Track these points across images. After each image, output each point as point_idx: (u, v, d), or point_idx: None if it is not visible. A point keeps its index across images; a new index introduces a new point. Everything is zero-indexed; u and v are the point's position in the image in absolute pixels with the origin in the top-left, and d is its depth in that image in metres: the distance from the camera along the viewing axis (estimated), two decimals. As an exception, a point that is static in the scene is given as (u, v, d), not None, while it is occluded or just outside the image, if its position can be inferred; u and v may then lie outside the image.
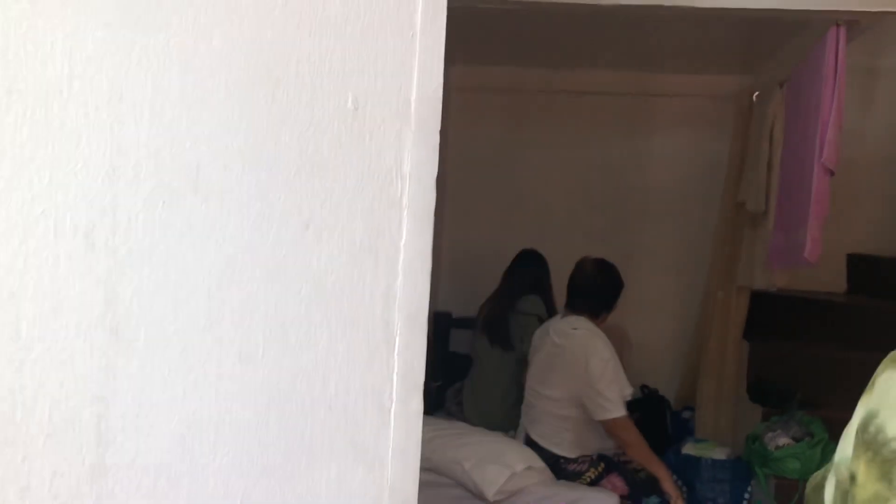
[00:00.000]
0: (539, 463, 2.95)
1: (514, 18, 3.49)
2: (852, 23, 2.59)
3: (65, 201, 0.69)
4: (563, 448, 3.01)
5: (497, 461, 2.83)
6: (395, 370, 0.87)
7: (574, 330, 3.00)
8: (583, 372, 2.91)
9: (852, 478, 0.65)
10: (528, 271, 3.54)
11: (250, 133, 0.74)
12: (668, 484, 2.91)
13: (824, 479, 0.74)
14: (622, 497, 2.87)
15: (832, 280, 4.02)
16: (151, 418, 0.70)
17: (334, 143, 0.79)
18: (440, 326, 4.35)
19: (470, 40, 3.86)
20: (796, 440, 3.14)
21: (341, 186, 0.80)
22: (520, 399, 3.20)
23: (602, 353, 2.92)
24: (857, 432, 0.67)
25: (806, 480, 3.16)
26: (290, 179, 0.77)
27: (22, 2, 0.68)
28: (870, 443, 0.64)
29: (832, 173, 2.65)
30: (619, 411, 2.91)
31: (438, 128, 0.87)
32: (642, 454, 2.97)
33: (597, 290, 3.13)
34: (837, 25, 2.56)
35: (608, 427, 2.95)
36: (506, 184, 4.54)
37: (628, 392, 2.98)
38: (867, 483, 0.62)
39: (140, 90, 0.72)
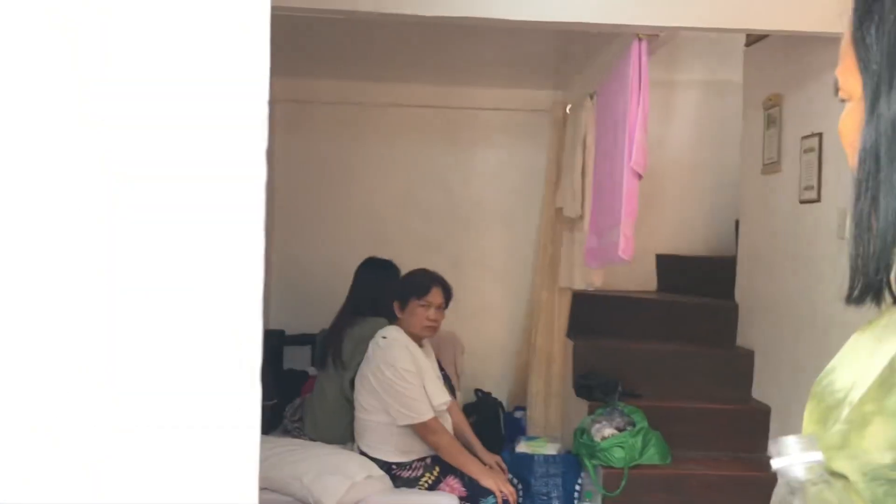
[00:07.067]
0: (378, 472, 2.93)
1: (338, 31, 3.50)
2: (652, 37, 2.81)
3: None
4: (390, 455, 3.01)
5: (336, 472, 2.80)
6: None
7: (383, 339, 3.02)
8: (382, 380, 2.94)
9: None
10: (369, 281, 3.49)
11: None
12: (486, 480, 2.96)
13: None
14: (461, 499, 2.91)
15: (644, 280, 4.32)
16: None
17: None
18: (272, 345, 4.25)
19: (296, 53, 3.83)
20: (619, 430, 3.29)
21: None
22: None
23: (398, 362, 2.95)
24: (815, 384, 0.71)
25: (629, 467, 3.25)
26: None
27: None
28: (818, 392, 0.69)
29: (640, 176, 2.85)
30: (421, 416, 2.95)
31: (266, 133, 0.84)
32: (454, 456, 3.00)
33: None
34: (639, 39, 2.76)
35: (416, 431, 2.99)
36: (335, 196, 4.52)
37: (440, 401, 3.02)
38: (807, 426, 0.68)
39: None
